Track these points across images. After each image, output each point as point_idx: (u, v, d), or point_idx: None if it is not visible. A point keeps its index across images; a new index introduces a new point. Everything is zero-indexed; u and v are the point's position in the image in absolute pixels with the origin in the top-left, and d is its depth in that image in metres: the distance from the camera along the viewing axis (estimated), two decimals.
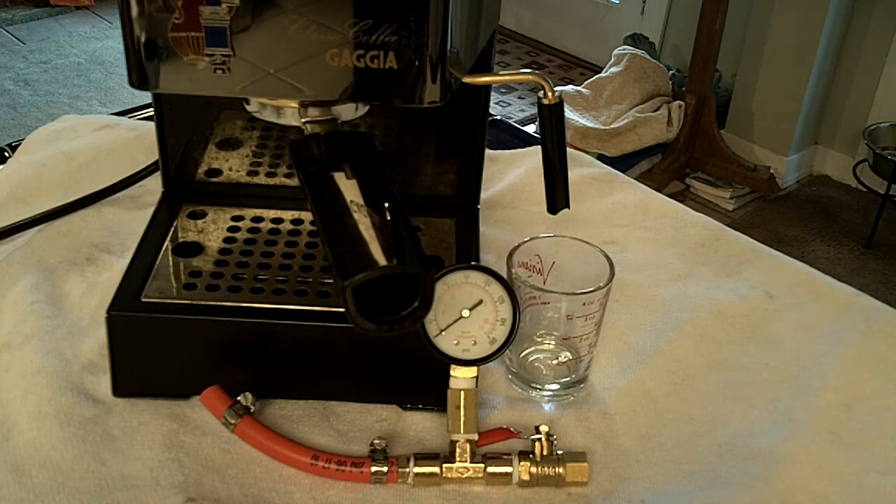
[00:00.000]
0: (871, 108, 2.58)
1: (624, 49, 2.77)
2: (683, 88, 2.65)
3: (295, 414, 0.62)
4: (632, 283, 0.77)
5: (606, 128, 2.55)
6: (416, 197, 0.75)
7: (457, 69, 0.54)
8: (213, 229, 0.69)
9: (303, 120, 0.55)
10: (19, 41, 3.31)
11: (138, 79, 0.52)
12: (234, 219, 0.70)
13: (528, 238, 0.66)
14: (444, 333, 0.57)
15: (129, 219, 0.80)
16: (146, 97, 0.69)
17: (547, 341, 0.66)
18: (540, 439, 0.58)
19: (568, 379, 0.65)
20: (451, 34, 0.51)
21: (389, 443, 0.59)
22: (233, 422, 0.58)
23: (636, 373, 0.68)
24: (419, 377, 0.62)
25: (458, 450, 0.58)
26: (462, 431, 0.58)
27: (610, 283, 0.62)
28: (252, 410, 0.59)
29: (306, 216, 0.71)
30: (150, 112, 0.81)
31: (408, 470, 0.57)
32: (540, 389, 0.65)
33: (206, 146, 0.73)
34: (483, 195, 0.76)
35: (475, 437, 0.58)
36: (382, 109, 0.70)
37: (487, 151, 0.74)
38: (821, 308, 0.76)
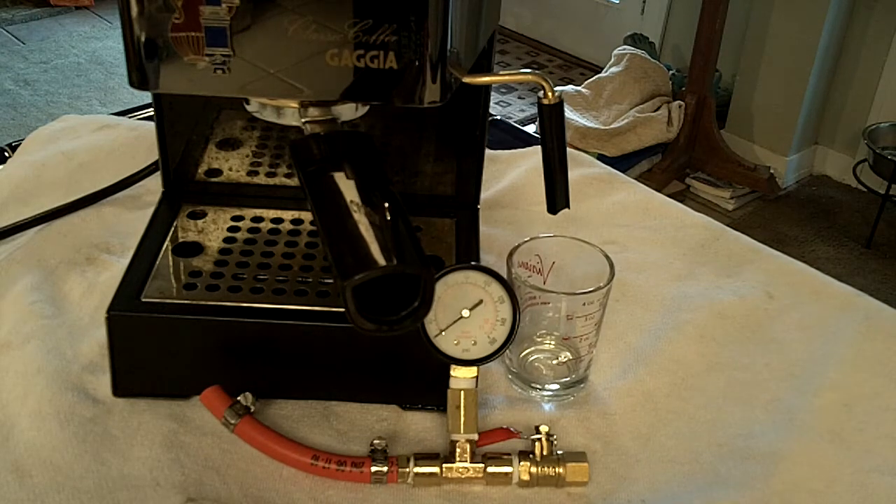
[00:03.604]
0: (871, 108, 2.58)
1: (624, 49, 2.77)
2: (683, 88, 2.65)
3: (295, 414, 0.62)
4: (632, 283, 0.77)
5: (606, 128, 2.55)
6: (416, 197, 0.75)
7: (457, 69, 0.54)
8: (213, 229, 0.69)
9: (303, 120, 0.55)
10: (19, 41, 3.31)
11: (138, 79, 0.52)
12: (234, 219, 0.70)
13: (528, 238, 0.66)
14: (444, 333, 0.57)
15: (129, 219, 0.80)
16: (146, 97, 0.69)
17: (547, 341, 0.66)
18: (540, 439, 0.58)
19: (568, 379, 0.65)
20: (451, 34, 0.51)
21: (389, 443, 0.59)
22: (233, 422, 0.58)
23: (636, 373, 0.68)
24: (419, 377, 0.62)
25: (458, 450, 0.58)
26: (462, 431, 0.58)
27: (610, 283, 0.62)
28: (252, 410, 0.59)
29: (306, 216, 0.71)
30: (150, 112, 0.81)
31: (408, 470, 0.57)
32: (540, 389, 0.65)
33: (206, 146, 0.73)
34: (483, 195, 0.76)
35: (475, 437, 0.58)
36: (382, 109, 0.70)
37: (487, 151, 0.74)
38: (821, 308, 0.76)
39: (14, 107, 2.85)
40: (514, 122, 1.56)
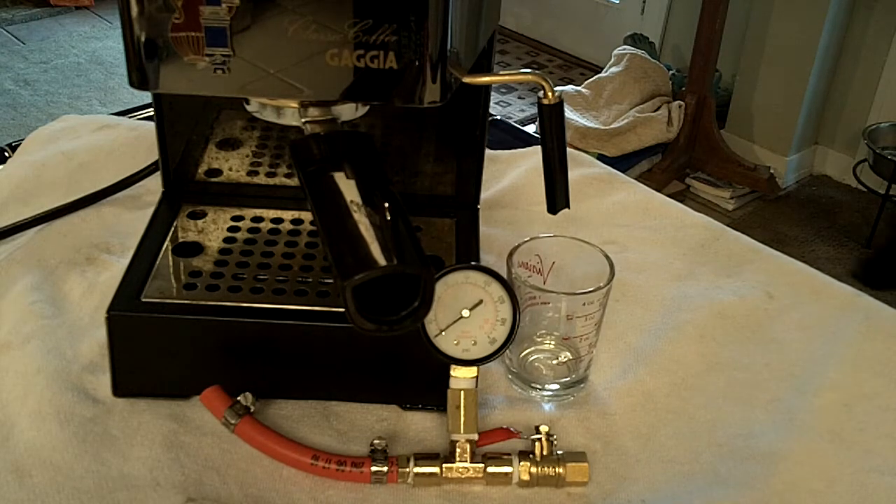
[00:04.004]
0: (871, 108, 2.58)
1: (624, 49, 2.77)
2: (683, 88, 2.65)
3: (295, 414, 0.62)
4: (632, 283, 0.77)
5: (606, 128, 2.55)
6: (416, 197, 0.75)
7: (457, 69, 0.54)
8: (213, 229, 0.69)
9: (303, 120, 0.55)
10: (19, 41, 3.31)
11: (138, 79, 0.52)
12: (234, 219, 0.70)
13: (528, 238, 0.66)
14: (444, 333, 0.57)
15: (129, 219, 0.80)
16: (146, 97, 0.69)
17: (547, 341, 0.66)
18: (540, 439, 0.58)
19: (568, 379, 0.65)
20: (451, 34, 0.51)
21: (389, 443, 0.59)
22: (233, 422, 0.58)
23: (636, 373, 0.68)
24: (419, 377, 0.62)
25: (458, 450, 0.58)
26: (462, 431, 0.58)
27: (610, 283, 0.62)
28: (252, 410, 0.59)
29: (306, 216, 0.71)
30: (150, 112, 0.81)
31: (408, 470, 0.57)
32: (540, 389, 0.65)
33: (206, 146, 0.73)
34: (483, 195, 0.76)
35: (475, 437, 0.58)
36: (382, 109, 0.70)
37: (487, 151, 0.74)
38: (821, 308, 0.76)
39: (14, 107, 2.85)
40: (514, 122, 1.56)
